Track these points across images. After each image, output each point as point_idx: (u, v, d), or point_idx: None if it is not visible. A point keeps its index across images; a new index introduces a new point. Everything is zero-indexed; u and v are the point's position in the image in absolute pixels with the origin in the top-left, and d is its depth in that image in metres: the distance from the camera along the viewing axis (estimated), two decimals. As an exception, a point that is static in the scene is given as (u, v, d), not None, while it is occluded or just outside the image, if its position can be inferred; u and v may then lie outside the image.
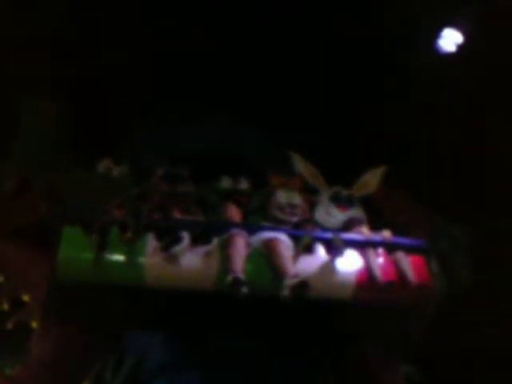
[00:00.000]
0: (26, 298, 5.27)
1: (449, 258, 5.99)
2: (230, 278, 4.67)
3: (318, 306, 5.14)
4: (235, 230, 5.17)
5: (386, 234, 5.73)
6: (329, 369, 5.83)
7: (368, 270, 5.28)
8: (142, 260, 4.97)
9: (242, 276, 4.68)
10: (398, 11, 6.69)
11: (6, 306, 5.25)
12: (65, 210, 5.03)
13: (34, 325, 5.24)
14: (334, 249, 5.27)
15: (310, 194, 6.44)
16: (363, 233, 5.72)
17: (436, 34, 6.78)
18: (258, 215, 6.07)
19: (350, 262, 5.32)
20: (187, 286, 4.98)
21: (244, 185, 6.26)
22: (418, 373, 5.85)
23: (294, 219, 5.96)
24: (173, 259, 4.97)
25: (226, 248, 5.03)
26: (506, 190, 6.40)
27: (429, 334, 5.55)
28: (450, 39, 6.67)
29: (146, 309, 5.10)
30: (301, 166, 6.56)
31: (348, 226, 5.99)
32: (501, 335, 5.94)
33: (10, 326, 5.25)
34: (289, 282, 4.75)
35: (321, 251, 5.35)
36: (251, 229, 5.38)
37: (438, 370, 5.86)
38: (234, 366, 5.58)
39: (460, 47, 6.66)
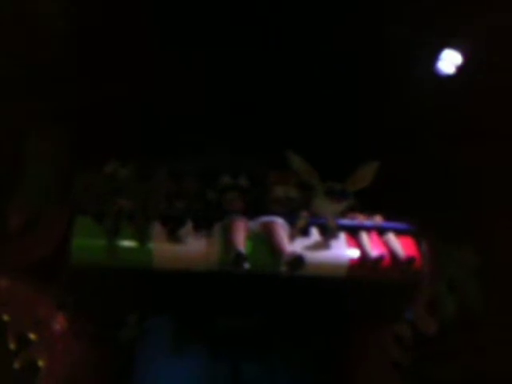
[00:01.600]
0: (32, 336, 5.32)
1: (459, 284, 6.20)
2: (233, 253, 5.03)
3: (315, 284, 5.49)
4: (235, 216, 5.56)
5: (378, 219, 6.13)
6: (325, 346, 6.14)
7: (360, 249, 5.64)
8: (149, 245, 5.33)
9: (243, 251, 5.05)
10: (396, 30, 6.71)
11: (12, 345, 5.22)
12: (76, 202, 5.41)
13: (41, 364, 5.29)
14: (329, 231, 5.65)
15: (305, 189, 6.84)
16: (357, 218, 6.11)
17: (435, 55, 6.64)
18: (257, 209, 6.47)
19: (343, 243, 5.69)
20: (191, 267, 5.34)
21: (243, 181, 6.66)
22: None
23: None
24: (177, 243, 5.35)
25: (227, 231, 5.41)
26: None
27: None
28: (450, 61, 6.52)
29: (154, 292, 5.46)
30: (297, 163, 6.97)
31: (342, 214, 6.38)
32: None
33: (16, 365, 5.20)
34: (286, 258, 5.12)
35: (315, 234, 5.71)
36: (250, 216, 5.76)
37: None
38: (237, 345, 5.91)
39: (459, 68, 6.48)
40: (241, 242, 5.23)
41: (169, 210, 5.61)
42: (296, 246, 5.48)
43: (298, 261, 5.08)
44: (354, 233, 5.88)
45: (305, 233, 5.68)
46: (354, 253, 5.65)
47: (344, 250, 5.66)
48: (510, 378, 5.61)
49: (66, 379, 5.17)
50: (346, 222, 6.00)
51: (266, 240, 5.49)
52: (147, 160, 6.59)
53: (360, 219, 6.10)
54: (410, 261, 5.56)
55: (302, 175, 6.85)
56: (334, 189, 6.71)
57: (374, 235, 5.85)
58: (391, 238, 5.82)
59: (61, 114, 6.13)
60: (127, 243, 5.34)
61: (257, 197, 6.56)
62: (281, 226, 5.57)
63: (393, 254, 5.63)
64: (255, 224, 5.62)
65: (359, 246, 5.67)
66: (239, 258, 5.02)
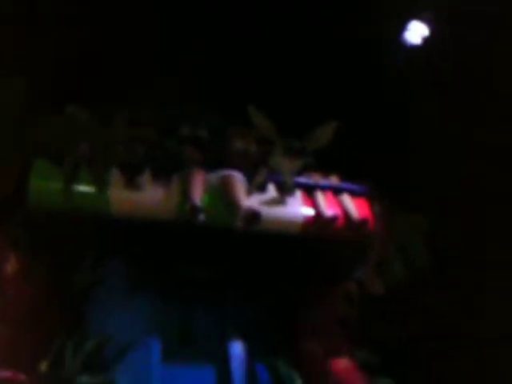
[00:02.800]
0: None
1: (407, 246, 6.56)
2: (188, 205, 5.09)
3: (269, 239, 5.59)
4: (194, 168, 5.59)
5: (334, 179, 6.24)
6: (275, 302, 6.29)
7: (315, 208, 5.75)
8: (107, 191, 5.34)
9: (199, 203, 5.11)
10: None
11: None
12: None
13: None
14: (285, 188, 5.73)
15: (264, 145, 6.89)
16: (313, 177, 6.21)
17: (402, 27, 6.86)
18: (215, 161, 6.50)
19: (298, 201, 5.79)
20: (149, 215, 5.37)
21: (203, 133, 6.67)
22: (374, 357, 5.97)
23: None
24: (135, 191, 5.37)
25: (185, 182, 5.45)
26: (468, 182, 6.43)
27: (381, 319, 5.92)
28: (417, 32, 6.75)
29: (110, 237, 5.49)
30: (258, 118, 7.00)
31: (299, 172, 6.46)
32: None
33: None
34: (242, 214, 5.19)
35: (272, 190, 5.79)
36: (208, 168, 5.80)
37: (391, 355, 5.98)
38: (190, 293, 6.01)
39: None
40: (198, 194, 5.28)
41: (128, 157, 5.57)
42: (252, 202, 5.53)
43: (254, 217, 5.16)
44: (309, 192, 5.96)
45: (262, 188, 5.72)
46: (309, 211, 5.73)
47: (299, 208, 5.75)
48: (455, 337, 5.94)
49: (18, 323, 5.18)
50: (302, 180, 6.06)
51: (223, 194, 5.52)
52: (108, 105, 6.54)
53: (316, 178, 6.18)
54: (362, 222, 5.69)
55: (262, 130, 6.89)
56: (293, 146, 6.78)
57: (330, 195, 5.95)
58: (346, 198, 5.94)
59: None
60: (85, 188, 5.33)
61: (216, 149, 6.58)
62: (239, 181, 5.63)
63: (346, 214, 5.75)
64: (213, 177, 5.65)
65: (314, 204, 5.76)
66: (195, 209, 5.08)
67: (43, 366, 5.13)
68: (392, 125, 7.04)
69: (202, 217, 5.10)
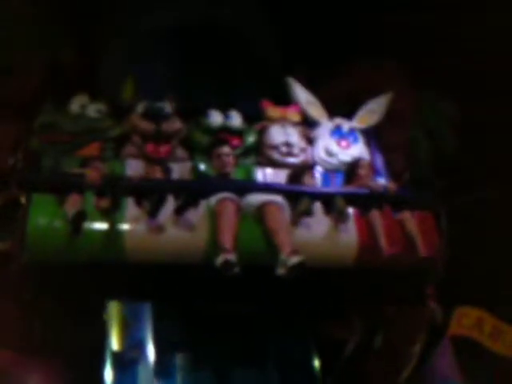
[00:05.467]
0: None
1: (436, 130, 6.76)
2: (220, 259, 4.19)
3: (317, 275, 4.66)
4: (225, 195, 4.59)
5: (391, 186, 5.22)
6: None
7: (371, 236, 4.78)
8: (121, 230, 4.40)
9: (232, 257, 4.22)
10: None
11: None
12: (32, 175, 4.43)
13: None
14: (336, 212, 4.74)
15: (308, 127, 5.83)
16: (367, 184, 5.18)
17: None
18: (251, 157, 5.49)
19: (352, 228, 4.81)
20: (172, 259, 4.46)
21: (235, 120, 5.59)
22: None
23: (291, 160, 5.44)
24: (156, 229, 4.42)
25: (215, 217, 4.48)
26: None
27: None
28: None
29: (128, 284, 4.62)
30: (299, 93, 5.89)
31: (351, 169, 5.44)
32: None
33: None
34: (285, 259, 4.30)
35: (320, 214, 4.81)
36: (243, 188, 4.79)
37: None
38: (228, 334, 5.22)
39: None
40: (230, 238, 4.37)
41: (145, 183, 4.59)
42: (297, 235, 4.61)
43: (299, 267, 4.23)
44: (364, 207, 4.95)
45: (307, 214, 4.72)
46: (365, 242, 4.77)
47: (353, 238, 4.78)
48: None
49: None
50: (354, 190, 5.07)
51: (261, 226, 4.57)
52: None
53: (371, 185, 5.16)
54: (429, 260, 4.75)
55: (304, 109, 5.80)
56: (342, 129, 5.74)
57: (388, 215, 4.96)
58: (408, 220, 4.95)
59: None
60: (94, 228, 4.38)
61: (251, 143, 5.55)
62: (280, 210, 4.64)
63: (409, 243, 4.80)
64: (249, 204, 4.66)
65: (371, 233, 4.80)
66: (227, 265, 4.20)
67: None
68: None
69: (236, 270, 4.18)
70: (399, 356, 5.77)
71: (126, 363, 5.45)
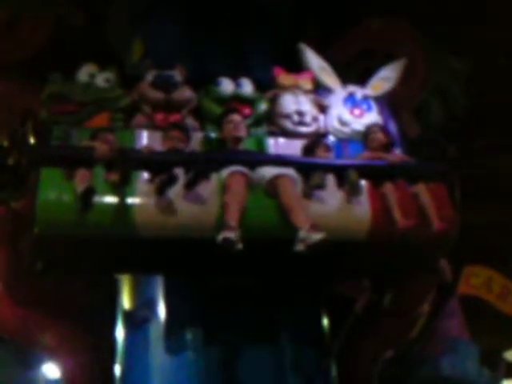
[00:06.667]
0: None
1: (447, 89, 6.76)
2: (220, 237, 4.13)
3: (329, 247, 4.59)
4: (236, 168, 4.51)
5: (404, 158, 5.14)
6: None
7: (385, 209, 4.71)
8: (131, 204, 4.34)
9: (232, 235, 4.13)
10: None
11: (5, 143, 5.16)
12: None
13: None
14: (349, 186, 4.67)
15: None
16: (380, 156, 5.09)
17: None
18: (263, 127, 5.40)
19: (365, 198, 4.73)
20: (183, 233, 4.41)
21: (246, 87, 5.48)
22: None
23: (303, 129, 5.32)
24: (166, 203, 4.37)
25: (224, 192, 4.42)
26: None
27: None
28: None
29: (138, 258, 4.59)
30: (312, 60, 5.76)
31: (364, 137, 5.34)
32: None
33: (11, 162, 5.04)
34: (306, 236, 4.22)
35: (332, 186, 4.72)
36: (256, 160, 4.71)
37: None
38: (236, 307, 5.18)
39: None
40: (235, 215, 4.28)
41: (157, 156, 4.51)
42: (311, 209, 4.53)
43: (320, 244, 4.18)
44: (377, 181, 4.86)
45: (321, 187, 4.64)
46: (378, 214, 4.69)
47: (366, 211, 4.70)
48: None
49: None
50: (367, 162, 4.99)
51: (273, 201, 4.51)
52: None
53: (384, 157, 5.07)
54: (443, 232, 4.68)
55: (317, 76, 5.68)
56: (356, 97, 5.62)
57: (402, 187, 4.88)
58: (422, 192, 4.85)
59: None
60: (103, 202, 4.33)
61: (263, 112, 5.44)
62: (293, 184, 4.56)
63: (423, 217, 4.72)
64: (260, 177, 4.59)
65: (385, 206, 4.71)
66: (227, 243, 4.14)
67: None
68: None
69: (239, 246, 4.11)
70: (408, 314, 5.75)
71: (138, 322, 5.41)
